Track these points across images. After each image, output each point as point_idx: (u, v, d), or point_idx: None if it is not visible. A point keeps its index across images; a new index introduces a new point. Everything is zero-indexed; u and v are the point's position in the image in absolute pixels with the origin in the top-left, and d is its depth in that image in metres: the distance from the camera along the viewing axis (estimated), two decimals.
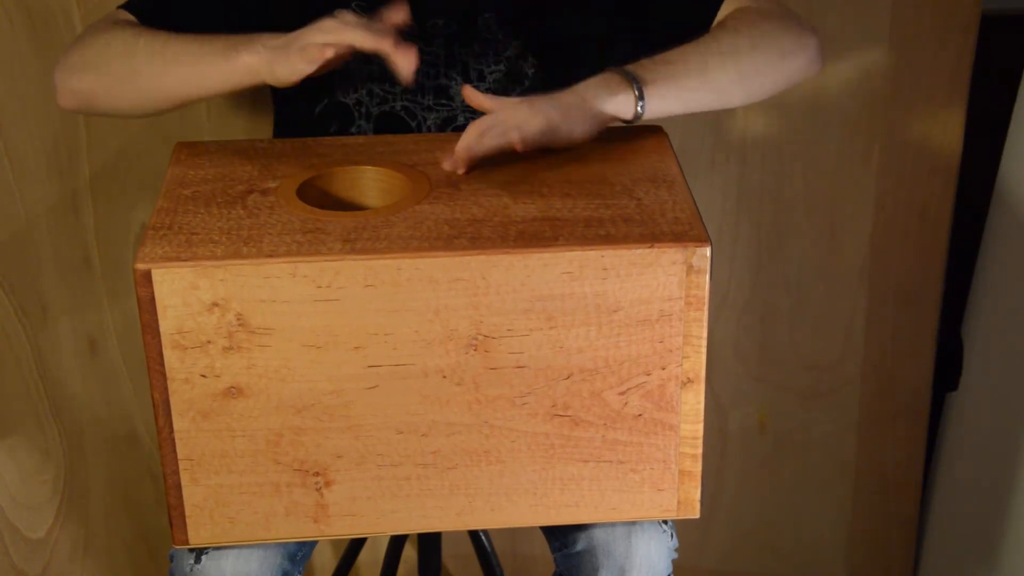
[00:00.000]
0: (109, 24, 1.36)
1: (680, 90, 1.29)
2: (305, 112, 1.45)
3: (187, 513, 1.21)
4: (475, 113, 1.43)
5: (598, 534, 1.33)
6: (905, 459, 2.05)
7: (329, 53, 1.21)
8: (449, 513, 1.23)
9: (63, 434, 1.90)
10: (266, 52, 1.25)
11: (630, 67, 1.29)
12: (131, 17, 1.38)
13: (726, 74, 1.31)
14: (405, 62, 1.23)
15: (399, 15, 1.28)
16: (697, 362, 1.17)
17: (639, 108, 1.27)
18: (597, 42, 1.47)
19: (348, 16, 1.24)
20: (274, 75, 1.25)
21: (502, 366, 1.16)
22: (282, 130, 1.53)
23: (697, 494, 1.24)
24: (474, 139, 1.24)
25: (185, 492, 1.19)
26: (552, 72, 1.45)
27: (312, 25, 1.24)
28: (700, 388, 1.18)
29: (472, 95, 1.28)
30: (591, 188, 1.23)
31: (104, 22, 1.38)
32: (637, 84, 1.27)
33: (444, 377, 1.16)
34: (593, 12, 1.45)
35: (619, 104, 1.27)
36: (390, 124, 1.44)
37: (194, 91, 1.30)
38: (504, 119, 1.24)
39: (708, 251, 1.13)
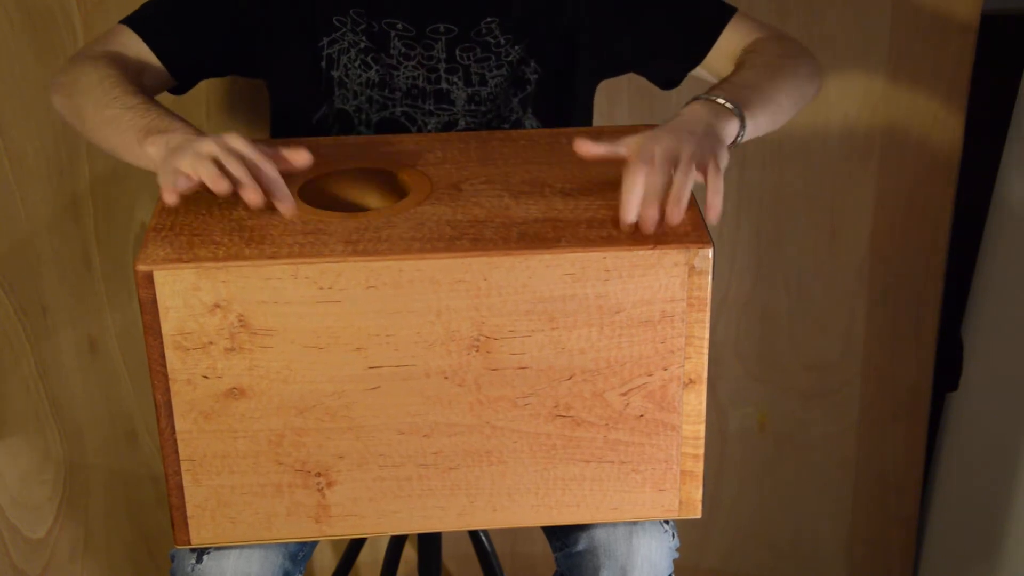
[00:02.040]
0: (101, 51, 1.38)
1: (765, 115, 1.29)
2: (302, 121, 1.45)
3: (189, 513, 1.21)
4: (475, 118, 1.43)
5: (599, 534, 1.33)
6: (905, 459, 2.05)
7: (182, 185, 1.15)
8: (450, 513, 1.23)
9: (63, 434, 1.90)
10: (162, 153, 1.21)
11: (716, 93, 1.27)
12: (130, 37, 1.39)
13: (781, 101, 1.33)
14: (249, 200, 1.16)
15: (299, 158, 1.21)
16: (699, 363, 1.17)
17: (741, 134, 1.25)
18: (599, 48, 1.47)
19: (234, 142, 1.18)
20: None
21: (504, 367, 1.16)
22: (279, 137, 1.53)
23: (699, 494, 1.24)
24: (680, 190, 1.14)
25: (187, 492, 1.19)
26: (554, 78, 1.45)
27: (193, 145, 1.18)
28: (702, 388, 1.18)
29: (588, 148, 1.20)
30: (593, 188, 1.23)
31: (102, 43, 1.40)
32: (738, 109, 1.25)
33: (446, 378, 1.16)
34: (595, 18, 1.45)
35: (729, 130, 1.24)
36: (391, 130, 1.44)
37: (118, 155, 1.29)
38: (676, 149, 1.17)
39: (710, 252, 1.13)
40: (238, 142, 1.18)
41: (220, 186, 1.14)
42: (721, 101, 1.25)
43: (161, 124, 1.24)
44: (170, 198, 1.15)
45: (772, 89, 1.32)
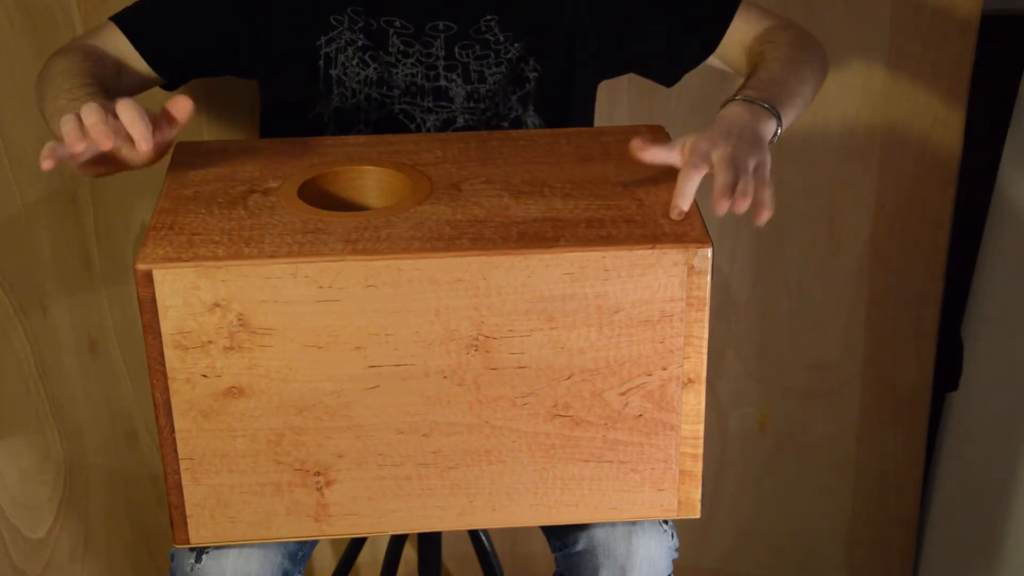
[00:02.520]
0: (80, 45, 1.38)
1: (795, 109, 1.32)
2: (300, 120, 1.45)
3: (188, 512, 1.21)
4: (474, 115, 1.43)
5: (599, 534, 1.33)
6: (905, 459, 2.05)
7: (60, 153, 1.14)
8: (450, 513, 1.23)
9: (63, 434, 1.90)
10: None
11: (750, 93, 1.28)
12: (115, 34, 1.40)
13: (805, 93, 1.36)
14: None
15: (180, 109, 1.21)
16: (698, 362, 1.17)
17: (778, 132, 1.28)
18: (600, 47, 1.47)
19: (89, 111, 1.15)
20: None
21: (503, 366, 1.16)
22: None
23: (698, 494, 1.24)
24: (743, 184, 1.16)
25: (186, 492, 1.19)
26: (553, 76, 1.45)
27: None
28: (701, 388, 1.18)
29: (647, 152, 1.21)
30: (592, 188, 1.23)
31: (86, 37, 1.41)
32: (774, 108, 1.27)
33: (445, 377, 1.16)
34: (596, 17, 1.45)
35: (768, 130, 1.26)
36: (389, 127, 1.44)
37: None
38: (734, 154, 1.18)
39: (709, 252, 1.13)
40: (119, 104, 1.16)
41: (74, 147, 1.12)
42: (759, 102, 1.26)
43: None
44: (44, 163, 1.13)
45: (798, 82, 1.34)
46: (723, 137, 1.20)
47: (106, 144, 1.14)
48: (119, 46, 1.40)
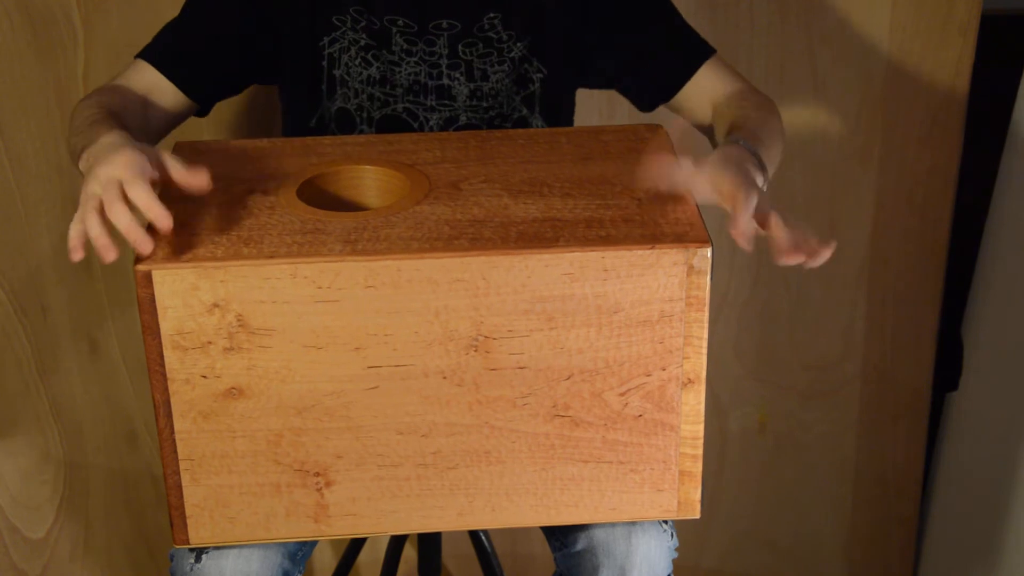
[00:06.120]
0: (104, 87, 1.38)
1: (772, 166, 1.29)
2: (305, 122, 1.46)
3: (187, 513, 1.21)
4: (477, 113, 1.44)
5: (598, 534, 1.33)
6: (905, 459, 2.05)
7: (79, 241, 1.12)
8: (449, 513, 1.23)
9: (63, 434, 1.90)
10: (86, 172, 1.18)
11: (748, 142, 1.26)
12: (146, 69, 1.40)
13: (778, 152, 1.33)
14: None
15: (197, 180, 1.17)
16: (698, 363, 1.17)
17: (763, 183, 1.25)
18: (598, 51, 1.47)
19: (129, 164, 1.13)
20: None
21: (503, 367, 1.16)
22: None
23: (697, 494, 1.24)
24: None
25: (186, 492, 1.19)
26: (559, 79, 1.45)
27: (87, 184, 1.14)
28: (701, 389, 1.18)
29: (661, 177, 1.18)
30: (592, 188, 1.23)
31: (115, 79, 1.40)
32: (760, 159, 1.24)
33: (444, 378, 1.16)
34: (589, 27, 1.45)
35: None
36: (392, 127, 1.44)
37: None
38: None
39: (709, 252, 1.13)
40: (130, 178, 1.12)
41: (107, 256, 1.11)
42: (749, 150, 1.24)
43: (91, 138, 1.20)
44: (74, 256, 1.13)
45: (774, 143, 1.33)
46: (740, 169, 1.18)
47: (109, 258, 1.12)
48: (146, 81, 1.40)
